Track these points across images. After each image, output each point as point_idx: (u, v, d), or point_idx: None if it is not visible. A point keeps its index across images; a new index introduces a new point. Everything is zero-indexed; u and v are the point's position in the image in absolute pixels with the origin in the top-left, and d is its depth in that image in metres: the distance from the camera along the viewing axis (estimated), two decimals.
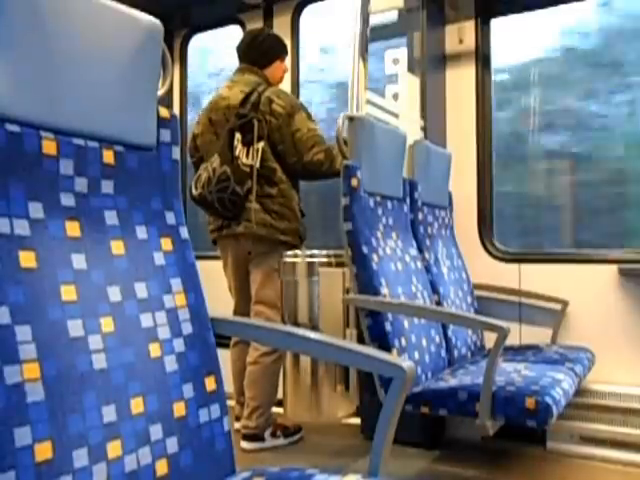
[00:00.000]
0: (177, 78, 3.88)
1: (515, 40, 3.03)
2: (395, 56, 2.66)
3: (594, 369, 2.41)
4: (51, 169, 1.00)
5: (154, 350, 1.09)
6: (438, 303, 2.39)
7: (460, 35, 2.98)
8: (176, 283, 1.18)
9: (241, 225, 2.50)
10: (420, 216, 2.50)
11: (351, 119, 2.10)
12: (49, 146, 1.00)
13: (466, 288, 2.71)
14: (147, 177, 1.17)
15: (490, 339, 2.57)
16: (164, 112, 1.22)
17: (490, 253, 2.89)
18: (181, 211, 1.24)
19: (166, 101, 3.71)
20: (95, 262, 1.04)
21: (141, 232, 1.15)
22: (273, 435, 2.56)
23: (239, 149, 2.46)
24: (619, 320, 2.57)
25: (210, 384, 1.18)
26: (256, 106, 2.48)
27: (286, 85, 3.20)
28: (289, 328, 1.28)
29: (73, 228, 1.03)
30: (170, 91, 3.83)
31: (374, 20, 2.52)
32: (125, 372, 1.02)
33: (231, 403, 2.53)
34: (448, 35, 3.01)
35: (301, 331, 1.23)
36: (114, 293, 1.05)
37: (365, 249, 2.02)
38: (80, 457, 0.91)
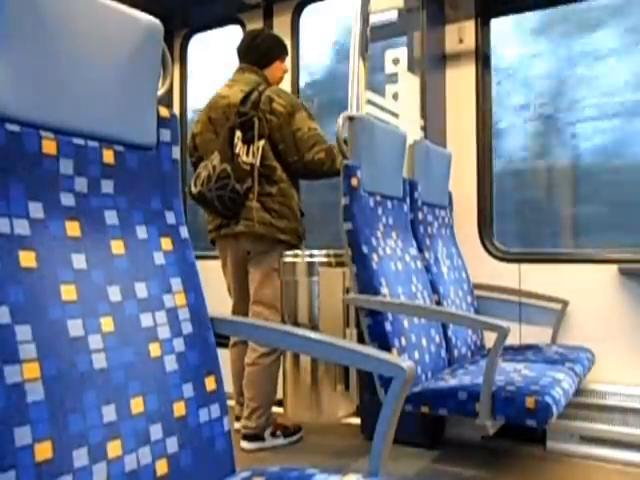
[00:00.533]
0: (177, 78, 3.88)
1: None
2: (395, 56, 2.66)
3: (594, 369, 2.41)
4: (51, 169, 1.00)
5: (154, 350, 1.09)
6: (438, 303, 2.39)
7: (460, 35, 2.98)
8: (176, 283, 1.18)
9: (241, 224, 2.50)
10: (420, 216, 2.50)
11: (351, 119, 2.10)
12: (49, 146, 1.00)
13: (466, 288, 2.71)
14: (147, 177, 1.17)
15: (490, 339, 2.57)
16: (164, 112, 1.22)
17: (490, 253, 2.90)
18: (181, 211, 1.24)
19: (166, 101, 3.71)
20: (95, 262, 1.04)
21: (141, 232, 1.15)
22: (273, 435, 2.56)
23: (239, 147, 2.46)
24: (619, 320, 2.57)
25: (210, 384, 1.18)
26: (256, 105, 2.48)
27: (286, 85, 3.20)
28: (289, 328, 1.28)
29: (73, 228, 1.03)
30: (170, 91, 3.83)
31: (374, 20, 2.52)
32: (125, 372, 1.02)
33: (231, 403, 2.53)
34: (448, 35, 3.01)
35: (301, 331, 1.23)
36: (114, 293, 1.06)
37: (365, 249, 2.02)
38: (80, 457, 0.91)
